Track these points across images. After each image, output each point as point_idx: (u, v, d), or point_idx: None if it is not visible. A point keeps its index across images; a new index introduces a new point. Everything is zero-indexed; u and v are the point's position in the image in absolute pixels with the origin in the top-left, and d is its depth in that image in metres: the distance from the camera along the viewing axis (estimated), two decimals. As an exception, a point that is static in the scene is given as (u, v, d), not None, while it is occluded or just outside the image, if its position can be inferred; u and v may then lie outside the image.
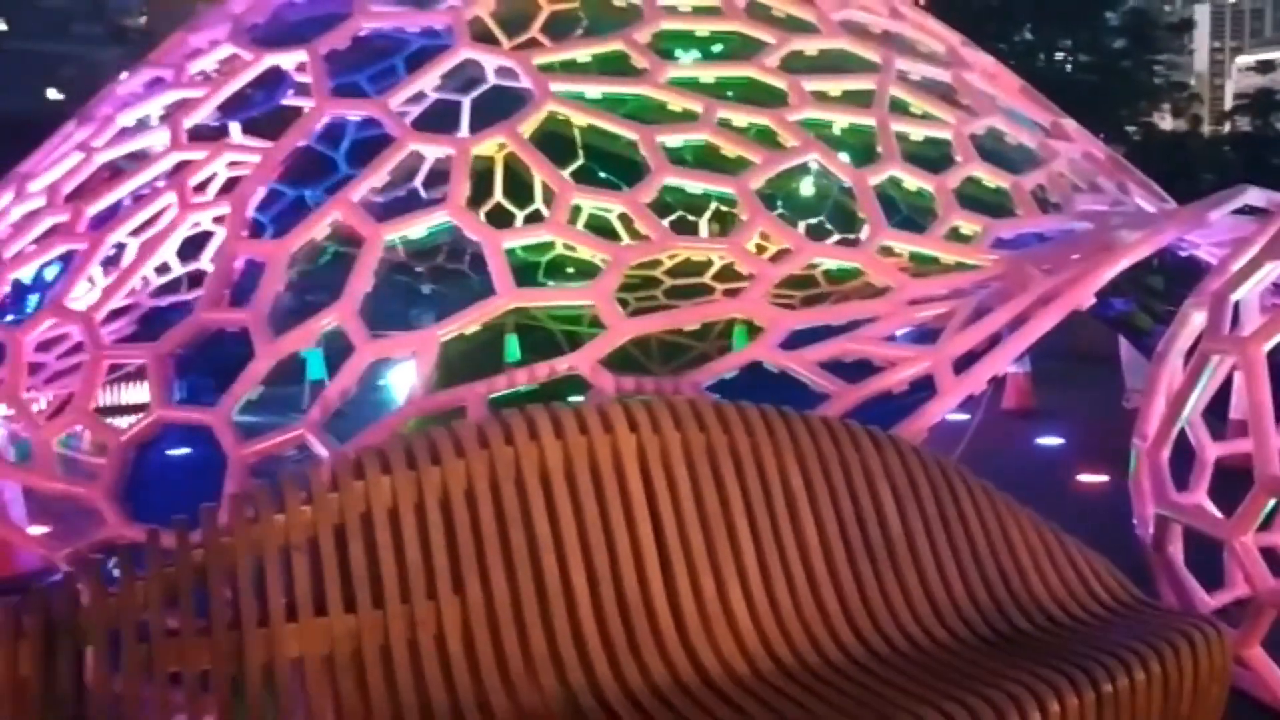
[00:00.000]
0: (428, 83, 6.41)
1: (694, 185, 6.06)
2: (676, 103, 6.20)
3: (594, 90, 6.28)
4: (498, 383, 5.13)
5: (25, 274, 6.76)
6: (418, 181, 10.57)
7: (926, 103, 6.72)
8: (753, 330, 8.61)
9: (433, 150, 6.08)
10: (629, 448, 3.94)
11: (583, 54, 6.51)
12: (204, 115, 6.60)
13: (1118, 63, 40.06)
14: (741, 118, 6.19)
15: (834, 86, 6.59)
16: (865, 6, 7.62)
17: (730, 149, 6.04)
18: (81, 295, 6.86)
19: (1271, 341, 4.64)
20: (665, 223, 6.24)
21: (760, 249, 6.91)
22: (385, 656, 3.53)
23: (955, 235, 5.92)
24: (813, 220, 12.80)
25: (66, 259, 6.64)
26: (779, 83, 6.40)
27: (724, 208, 12.17)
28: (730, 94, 6.58)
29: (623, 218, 7.95)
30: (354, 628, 3.55)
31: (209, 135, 7.03)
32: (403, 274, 14.93)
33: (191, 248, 8.70)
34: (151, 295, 9.29)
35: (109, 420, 6.09)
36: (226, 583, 3.56)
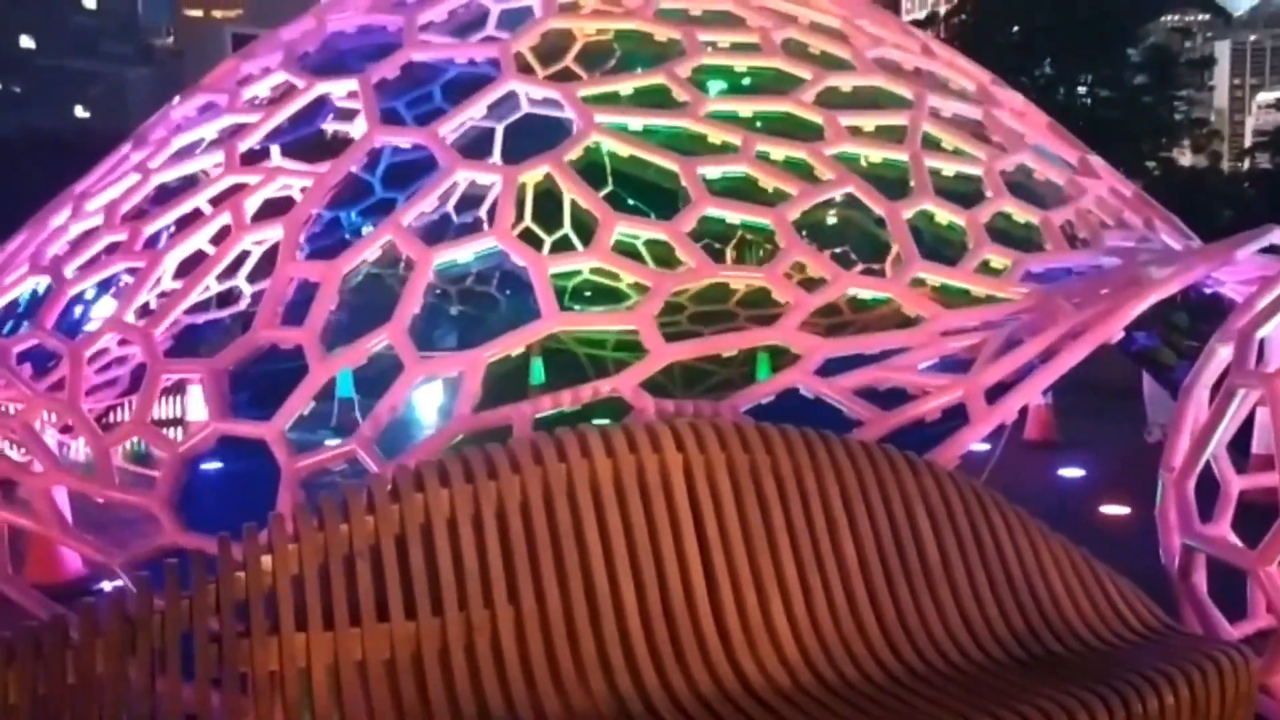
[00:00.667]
0: (475, 111, 6.63)
1: (731, 216, 6.23)
2: (716, 135, 6.40)
3: (636, 122, 6.48)
4: (543, 403, 5.30)
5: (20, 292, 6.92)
6: (450, 205, 10.78)
7: (958, 139, 6.90)
8: (775, 356, 8.81)
9: (481, 177, 6.29)
10: (676, 466, 4.11)
11: (625, 87, 6.72)
12: (257, 140, 6.82)
13: (1138, 98, 40.27)
14: (779, 150, 6.38)
15: (868, 121, 6.78)
16: (898, 44, 7.84)
17: (768, 181, 6.22)
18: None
19: (1297, 376, 4.77)
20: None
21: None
22: (444, 660, 3.70)
23: (986, 268, 6.08)
24: (837, 249, 12.99)
25: (106, 282, 6.85)
26: (815, 117, 6.59)
27: (749, 235, 12.36)
28: (759, 124, 6.76)
29: (649, 244, 8.16)
30: (414, 633, 3.72)
31: (252, 157, 7.27)
32: (429, 295, 15.17)
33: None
34: (186, 312, 9.54)
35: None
36: (294, 588, 3.74)
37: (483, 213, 11.29)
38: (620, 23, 7.35)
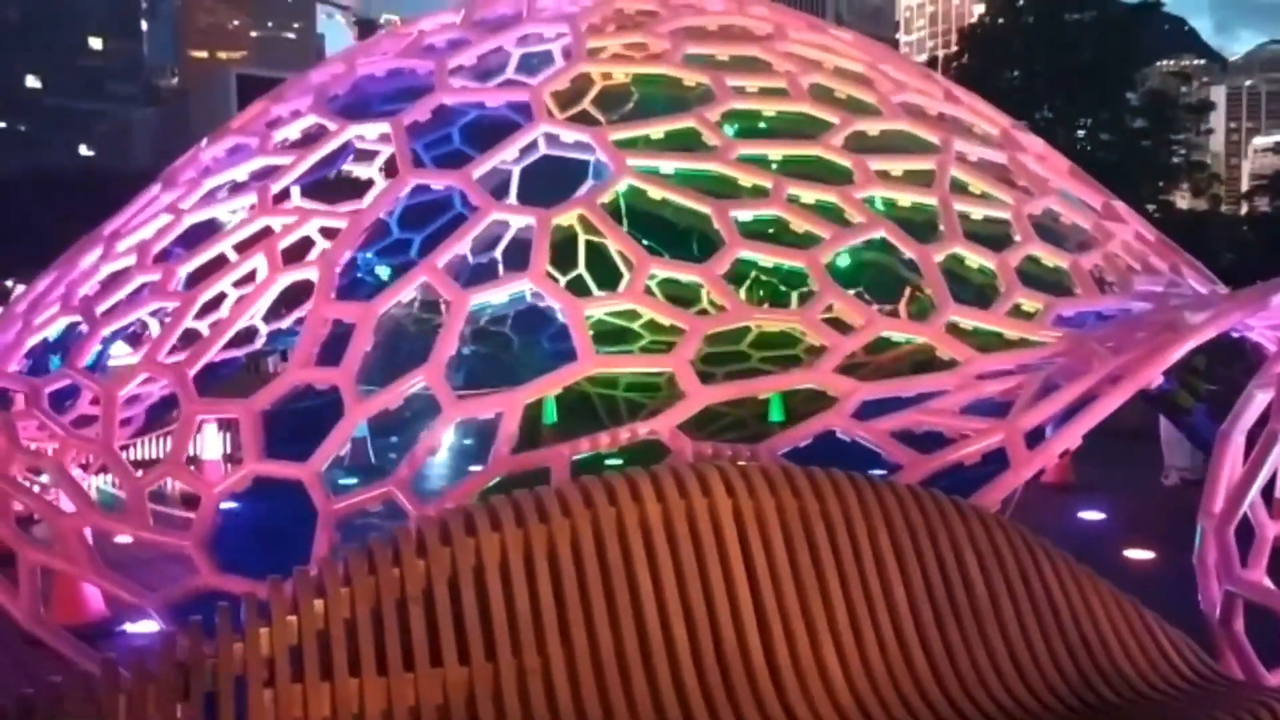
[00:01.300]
0: (508, 154, 6.69)
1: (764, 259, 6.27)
2: (747, 178, 6.45)
3: (668, 165, 6.54)
4: (581, 445, 5.30)
5: (52, 332, 6.95)
6: (465, 246, 10.78)
7: (985, 183, 6.96)
8: (788, 397, 8.81)
9: (515, 220, 6.33)
10: (726, 510, 4.10)
11: (656, 130, 6.78)
12: (290, 181, 6.88)
13: (1138, 142, 40.56)
14: (810, 194, 6.43)
15: (896, 166, 6.84)
16: (921, 89, 7.92)
17: (799, 224, 6.27)
18: (122, 355, 7.05)
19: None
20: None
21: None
22: (498, 705, 3.66)
23: (1017, 312, 6.11)
24: (850, 291, 13.03)
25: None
26: (845, 161, 6.65)
27: (763, 276, 12.42)
28: (774, 166, 6.78)
29: (663, 284, 8.25)
30: (467, 678, 3.69)
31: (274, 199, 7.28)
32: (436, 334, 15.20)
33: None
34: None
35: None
36: (346, 632, 3.71)
37: (498, 253, 11.35)
38: (648, 68, 7.42)
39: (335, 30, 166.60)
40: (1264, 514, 5.67)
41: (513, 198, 9.61)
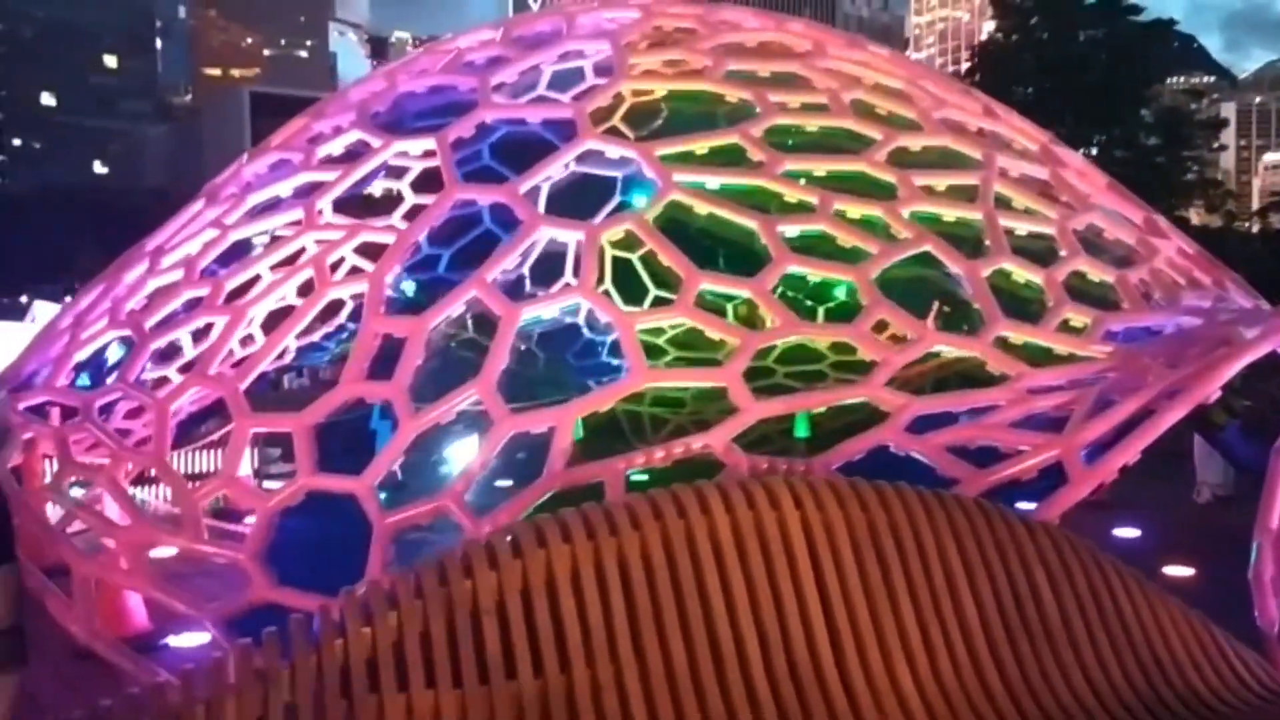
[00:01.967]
0: (554, 170, 6.71)
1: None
2: (793, 194, 6.47)
3: (713, 180, 6.56)
4: (635, 459, 5.30)
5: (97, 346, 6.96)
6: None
7: (1028, 198, 6.96)
8: (815, 413, 8.80)
9: (563, 234, 6.35)
10: (795, 524, 4.10)
11: (700, 146, 6.80)
12: (335, 196, 6.92)
13: (1152, 159, 40.54)
14: (855, 209, 6.44)
15: (940, 181, 6.85)
16: (960, 105, 7.93)
17: (846, 239, 6.27)
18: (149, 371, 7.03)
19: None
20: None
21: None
22: (573, 718, 3.66)
23: (1066, 327, 6.09)
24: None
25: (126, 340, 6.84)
26: (889, 176, 6.65)
27: (789, 292, 12.40)
28: (818, 181, 6.78)
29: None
30: (542, 690, 3.69)
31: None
32: (467, 350, 15.22)
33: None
34: (234, 366, 9.59)
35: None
36: (421, 645, 3.72)
37: (525, 269, 11.38)
38: (690, 84, 7.45)
39: (347, 48, 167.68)
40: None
41: (541, 210, 9.64)
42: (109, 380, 7.49)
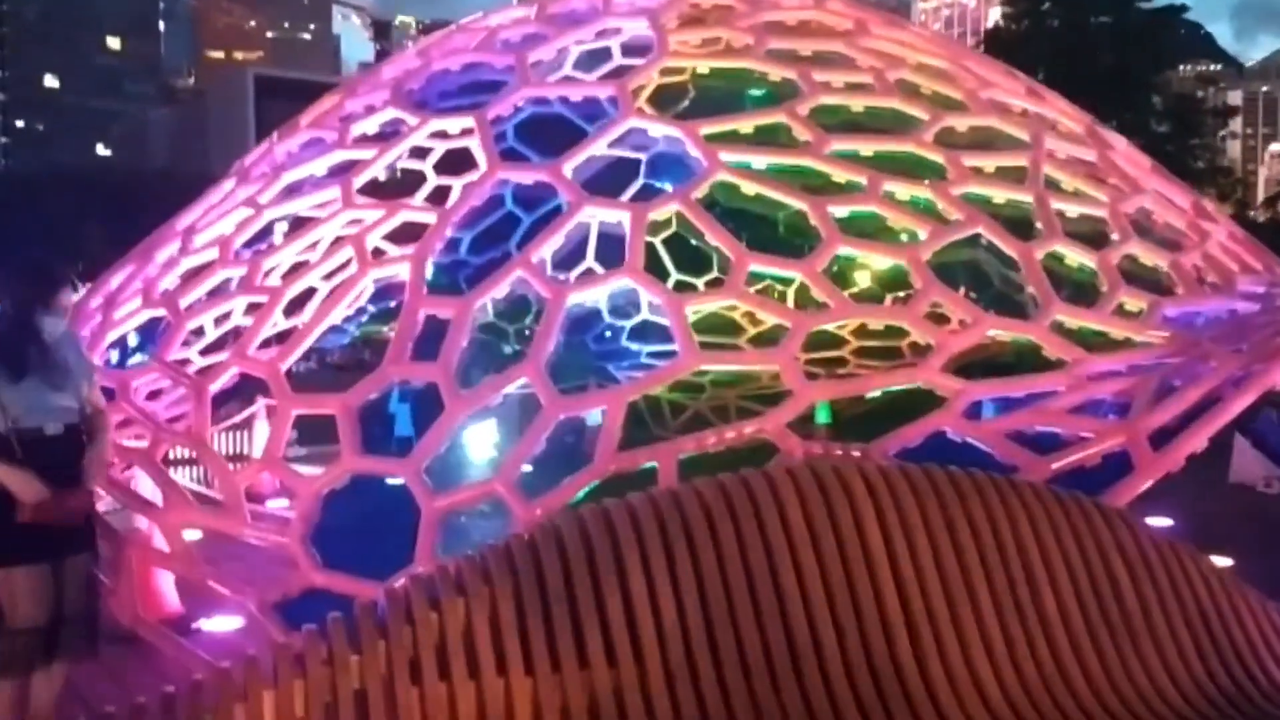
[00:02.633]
0: (597, 149, 6.58)
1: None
2: (841, 174, 6.34)
3: (760, 160, 6.43)
4: (686, 444, 5.19)
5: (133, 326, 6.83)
6: (513, 243, 10.65)
7: (1077, 180, 6.83)
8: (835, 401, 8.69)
9: (609, 215, 6.23)
10: (868, 511, 3.99)
11: (745, 125, 6.66)
12: (373, 174, 6.79)
13: (1162, 146, 40.29)
14: (905, 190, 6.31)
15: (989, 162, 6.72)
16: (1002, 86, 7.79)
17: (897, 221, 6.15)
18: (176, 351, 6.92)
19: None
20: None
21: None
22: (648, 708, 3.56)
23: (1121, 311, 5.98)
24: (900, 294, 12.89)
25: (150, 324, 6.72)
26: (937, 157, 6.52)
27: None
28: (866, 161, 6.62)
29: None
30: (615, 680, 3.60)
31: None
32: (489, 334, 15.07)
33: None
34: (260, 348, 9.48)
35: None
36: (491, 631, 3.62)
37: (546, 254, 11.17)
38: (731, 62, 7.31)
39: (351, 31, 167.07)
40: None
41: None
42: (130, 361, 7.40)
